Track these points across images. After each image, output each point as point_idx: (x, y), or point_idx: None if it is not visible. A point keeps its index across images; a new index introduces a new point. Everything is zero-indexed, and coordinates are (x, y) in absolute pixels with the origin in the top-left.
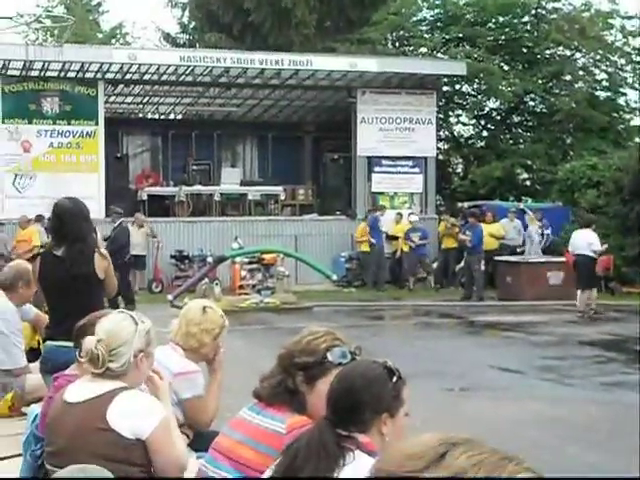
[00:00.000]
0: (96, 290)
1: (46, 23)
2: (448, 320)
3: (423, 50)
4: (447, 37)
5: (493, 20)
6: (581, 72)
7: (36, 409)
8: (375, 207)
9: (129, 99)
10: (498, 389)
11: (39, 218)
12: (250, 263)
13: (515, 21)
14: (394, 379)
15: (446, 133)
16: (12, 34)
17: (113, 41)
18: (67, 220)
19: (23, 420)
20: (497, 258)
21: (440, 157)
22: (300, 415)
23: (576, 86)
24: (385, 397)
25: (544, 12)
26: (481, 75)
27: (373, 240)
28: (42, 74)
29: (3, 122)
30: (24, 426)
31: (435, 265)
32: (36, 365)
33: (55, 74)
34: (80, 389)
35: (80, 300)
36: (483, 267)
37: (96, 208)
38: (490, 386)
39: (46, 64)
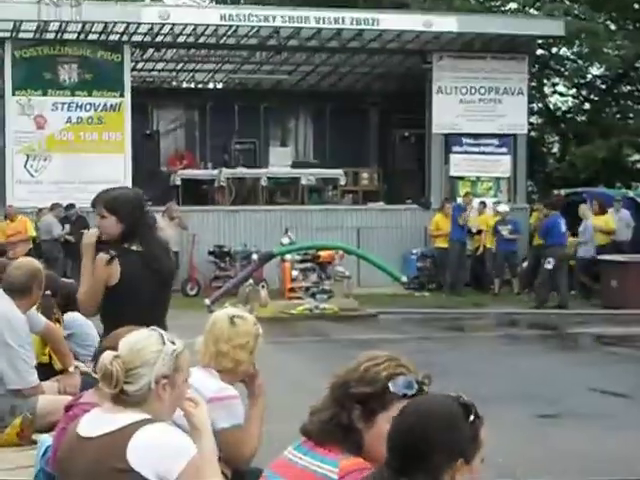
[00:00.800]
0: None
1: None
2: (540, 332)
3: (512, 6)
4: None
5: None
6: None
7: (47, 440)
8: (466, 195)
9: (160, 66)
10: (599, 417)
11: (54, 207)
12: (303, 261)
13: None
14: (471, 417)
15: (540, 105)
16: None
17: None
18: (137, 211)
19: (33, 450)
20: (601, 257)
21: (532, 134)
22: (355, 457)
23: None
24: (460, 440)
25: None
26: (582, 36)
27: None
28: (59, 37)
29: (14, 94)
30: (33, 457)
31: (525, 265)
32: (49, 384)
33: (74, 37)
34: (96, 421)
35: (165, 306)
36: (550, 265)
37: None
38: (590, 413)
39: (63, 25)
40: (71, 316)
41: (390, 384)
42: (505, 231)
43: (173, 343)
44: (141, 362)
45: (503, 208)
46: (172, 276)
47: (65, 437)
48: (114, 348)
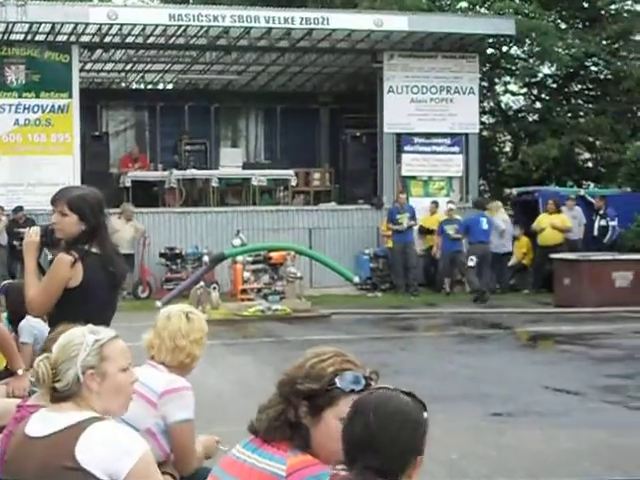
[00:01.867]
0: None
1: None
2: (493, 331)
3: (463, 5)
4: None
5: None
6: None
7: None
8: (398, 197)
9: (109, 66)
10: (552, 414)
11: None
12: (255, 263)
13: None
14: (425, 414)
15: (491, 104)
16: None
17: None
18: (96, 212)
19: None
20: (553, 256)
21: (484, 134)
22: (303, 453)
23: None
24: (422, 437)
25: None
26: (533, 35)
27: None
28: (5, 38)
29: None
30: None
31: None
32: None
33: (20, 37)
34: (44, 420)
35: (114, 308)
36: (472, 262)
37: None
38: (543, 411)
39: (9, 26)
40: (27, 323)
41: (337, 379)
42: (451, 230)
43: (96, 333)
44: (65, 357)
45: (450, 206)
46: (124, 279)
47: (13, 438)
48: None
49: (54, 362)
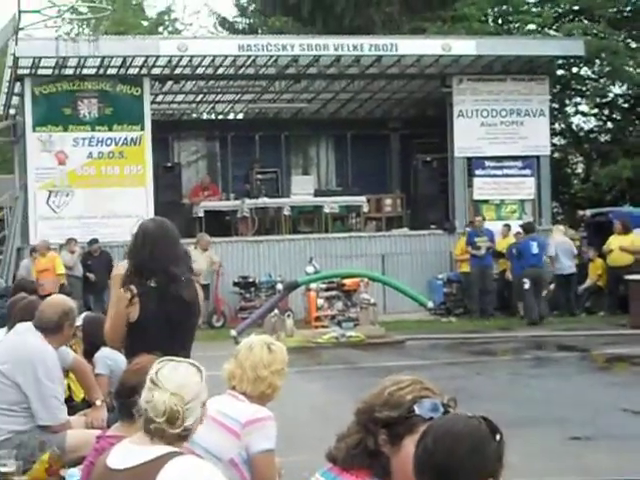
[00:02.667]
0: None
1: (82, 12)
2: (569, 354)
3: (531, 27)
4: (560, 10)
5: None
6: None
7: (75, 473)
8: (471, 221)
9: (180, 98)
10: (632, 437)
11: (69, 242)
12: (328, 290)
13: None
14: (497, 437)
15: (562, 126)
16: (43, 28)
17: (160, 29)
18: (155, 245)
19: None
20: (627, 277)
21: (556, 155)
22: None
23: None
24: (488, 460)
25: None
26: (603, 55)
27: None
28: (77, 72)
29: (34, 130)
30: None
31: (552, 287)
32: (76, 419)
33: (93, 72)
34: (126, 453)
35: (187, 344)
36: (527, 286)
37: None
38: (622, 434)
39: (82, 60)
40: (102, 355)
41: (416, 407)
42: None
43: (201, 368)
44: (193, 396)
45: (518, 229)
46: (190, 314)
47: (95, 469)
48: (138, 383)
49: (183, 401)
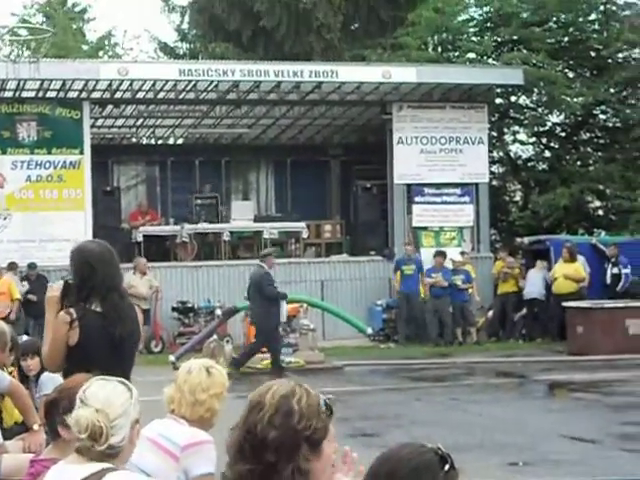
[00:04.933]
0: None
1: (22, 35)
2: (507, 380)
3: (471, 56)
4: (499, 40)
5: (554, 19)
6: None
7: None
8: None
9: (120, 122)
10: (570, 463)
11: (12, 266)
12: None
13: (580, 19)
14: (446, 468)
15: (500, 154)
16: None
17: (100, 54)
18: (98, 267)
19: None
20: (565, 304)
21: (494, 183)
22: None
23: None
24: None
25: (614, 8)
26: (541, 84)
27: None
28: (17, 95)
29: None
30: None
31: (490, 313)
32: (13, 443)
33: (32, 94)
34: (60, 474)
35: (127, 368)
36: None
37: None
38: (560, 460)
39: (21, 83)
40: (49, 377)
41: (329, 405)
42: (458, 281)
43: (131, 387)
44: (119, 413)
45: (456, 257)
46: (129, 339)
47: None
48: (67, 400)
49: (107, 417)
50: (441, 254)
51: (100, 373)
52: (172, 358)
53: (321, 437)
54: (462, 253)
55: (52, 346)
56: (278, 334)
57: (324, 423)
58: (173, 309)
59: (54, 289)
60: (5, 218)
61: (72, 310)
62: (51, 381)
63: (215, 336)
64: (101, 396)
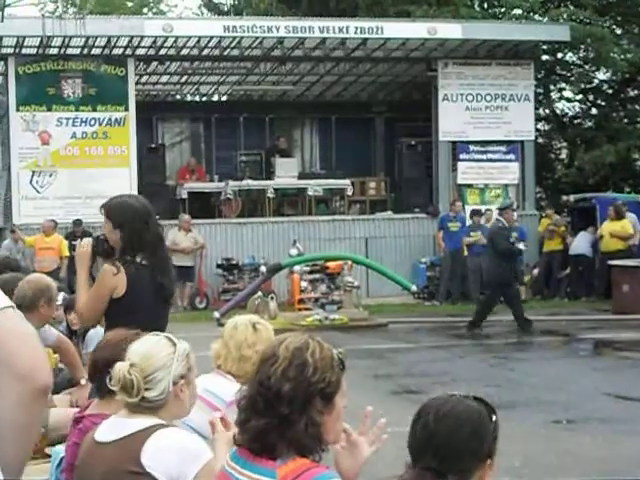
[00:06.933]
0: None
1: None
2: (552, 338)
3: (517, 12)
4: None
5: None
6: None
7: (60, 451)
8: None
9: (164, 79)
10: (614, 421)
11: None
12: (312, 272)
13: None
14: (494, 417)
15: (547, 111)
16: (27, 6)
17: (145, 10)
18: (150, 221)
19: (47, 463)
20: (611, 262)
21: (540, 140)
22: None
23: None
24: (489, 440)
25: None
26: (588, 41)
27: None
28: (62, 52)
29: (18, 110)
30: (48, 470)
31: (536, 271)
32: (60, 397)
33: (77, 51)
34: (112, 427)
35: (166, 320)
36: None
37: None
38: (604, 418)
39: (66, 40)
40: (96, 332)
41: (343, 358)
42: (512, 238)
43: (181, 343)
44: (157, 367)
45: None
46: (173, 293)
47: (82, 445)
48: (114, 356)
49: (143, 371)
50: (477, 213)
51: (147, 323)
52: (216, 314)
53: (334, 391)
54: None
55: (94, 299)
56: (513, 290)
57: (337, 377)
58: (217, 266)
59: (85, 245)
60: (51, 175)
61: (117, 262)
62: (97, 337)
63: (260, 293)
64: (140, 350)
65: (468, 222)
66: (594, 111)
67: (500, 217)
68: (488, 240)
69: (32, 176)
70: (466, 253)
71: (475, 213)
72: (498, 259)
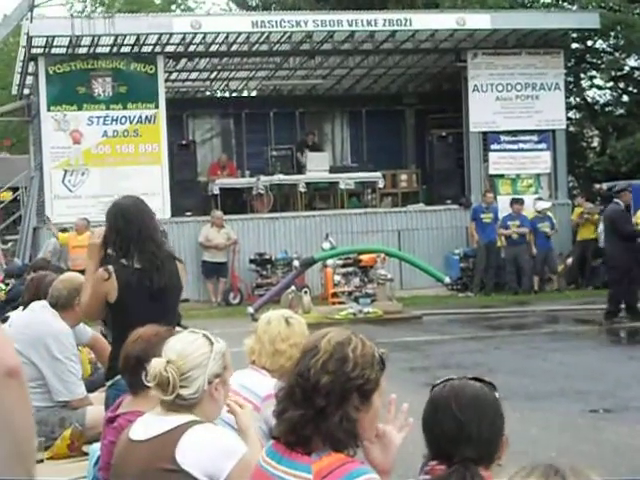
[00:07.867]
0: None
1: None
2: (587, 327)
3: (546, 0)
4: None
5: None
6: None
7: (98, 448)
8: (485, 195)
9: (194, 75)
10: None
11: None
12: (345, 266)
13: None
14: (497, 394)
15: (578, 100)
16: (56, 6)
17: (173, 7)
18: (133, 219)
19: (84, 461)
20: None
21: (571, 129)
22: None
23: None
24: (501, 417)
25: None
26: (618, 28)
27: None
28: (91, 51)
29: (49, 110)
30: (85, 468)
31: (570, 260)
32: (96, 395)
33: (106, 50)
34: (147, 424)
35: (171, 320)
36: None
37: (160, 206)
38: None
39: (96, 39)
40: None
41: (383, 358)
42: (546, 228)
43: (218, 342)
44: (194, 365)
45: (541, 205)
46: (172, 289)
47: (118, 443)
48: (145, 352)
49: (179, 368)
50: (518, 201)
51: (142, 324)
52: (250, 310)
53: (372, 388)
54: (539, 199)
55: (91, 299)
56: (634, 275)
57: (377, 375)
58: (250, 261)
59: (96, 236)
60: (83, 174)
61: (110, 267)
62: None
63: (293, 287)
64: (177, 348)
65: (504, 212)
66: (625, 98)
67: (617, 199)
68: (608, 223)
69: (64, 175)
70: (504, 243)
71: (515, 201)
72: (621, 242)
